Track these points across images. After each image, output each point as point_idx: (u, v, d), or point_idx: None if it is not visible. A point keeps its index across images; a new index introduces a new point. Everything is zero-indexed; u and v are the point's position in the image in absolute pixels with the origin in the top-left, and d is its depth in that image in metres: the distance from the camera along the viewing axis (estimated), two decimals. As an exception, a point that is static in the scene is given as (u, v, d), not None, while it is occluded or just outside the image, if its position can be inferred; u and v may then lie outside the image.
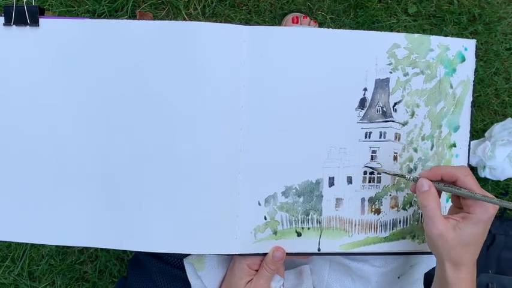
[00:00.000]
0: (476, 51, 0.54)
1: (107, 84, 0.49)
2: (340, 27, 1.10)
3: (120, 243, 0.50)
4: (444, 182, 0.47)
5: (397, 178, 0.52)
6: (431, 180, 0.47)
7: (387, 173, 0.51)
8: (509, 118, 1.09)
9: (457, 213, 0.48)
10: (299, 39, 0.50)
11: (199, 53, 0.48)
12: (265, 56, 0.49)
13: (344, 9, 1.11)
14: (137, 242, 0.49)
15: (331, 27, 1.10)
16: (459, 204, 0.48)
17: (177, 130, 0.49)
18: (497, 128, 1.07)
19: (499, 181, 1.10)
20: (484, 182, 1.12)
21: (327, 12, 1.11)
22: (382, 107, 0.51)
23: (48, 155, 0.50)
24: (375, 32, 0.51)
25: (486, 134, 1.10)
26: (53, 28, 0.49)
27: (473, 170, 1.11)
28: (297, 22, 1.06)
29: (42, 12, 0.50)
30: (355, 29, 1.04)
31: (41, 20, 0.49)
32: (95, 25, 0.49)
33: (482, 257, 1.00)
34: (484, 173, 1.07)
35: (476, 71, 0.54)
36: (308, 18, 1.07)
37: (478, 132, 1.13)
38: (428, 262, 0.60)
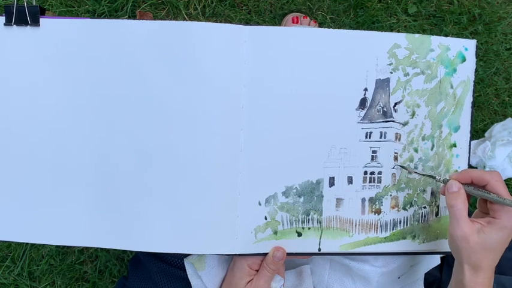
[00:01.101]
0: (476, 51, 0.54)
1: (107, 84, 0.49)
2: (340, 27, 1.10)
3: (120, 243, 0.49)
4: (474, 186, 0.48)
5: (397, 178, 0.52)
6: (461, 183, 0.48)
7: (417, 173, 0.52)
8: (509, 118, 1.09)
9: (482, 217, 0.48)
10: (299, 40, 0.50)
11: (200, 53, 0.48)
12: (265, 56, 0.49)
13: (344, 9, 1.11)
14: (137, 242, 0.49)
15: (331, 27, 1.10)
16: (485, 209, 0.49)
17: (177, 130, 0.49)
18: (497, 128, 1.06)
19: None
20: None
21: (327, 12, 1.11)
22: (382, 107, 0.51)
23: (47, 154, 0.50)
24: (375, 32, 0.51)
25: (486, 134, 1.09)
26: (53, 28, 0.49)
27: None
28: (297, 22, 1.05)
29: (43, 12, 0.50)
30: (355, 29, 1.04)
31: (42, 20, 0.49)
32: (96, 25, 0.49)
33: None
34: None
35: (476, 71, 0.54)
36: (308, 18, 1.07)
37: (478, 132, 1.13)
38: (429, 262, 0.60)
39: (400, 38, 0.51)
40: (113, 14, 1.07)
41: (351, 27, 1.10)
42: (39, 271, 1.07)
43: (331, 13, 1.11)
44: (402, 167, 0.52)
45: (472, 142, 1.07)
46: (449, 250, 0.54)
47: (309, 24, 1.07)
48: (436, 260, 0.61)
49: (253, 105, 0.49)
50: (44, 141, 0.50)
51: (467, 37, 1.09)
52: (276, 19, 1.11)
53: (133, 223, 0.49)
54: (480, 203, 0.50)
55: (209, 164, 0.49)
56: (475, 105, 1.12)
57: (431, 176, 0.51)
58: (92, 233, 0.50)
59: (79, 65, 0.49)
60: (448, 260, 1.01)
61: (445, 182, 0.49)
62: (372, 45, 0.51)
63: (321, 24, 1.10)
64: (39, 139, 0.50)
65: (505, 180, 1.09)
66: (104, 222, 0.50)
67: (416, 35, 0.51)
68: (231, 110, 0.49)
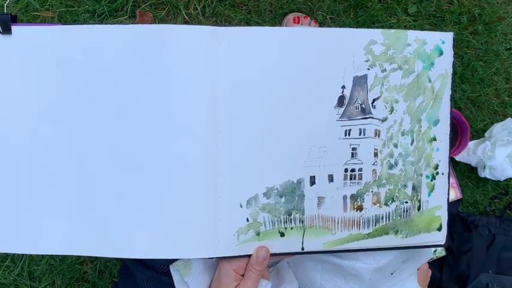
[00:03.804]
0: (453, 43, 0.54)
1: (82, 90, 0.48)
2: (340, 27, 1.10)
3: (101, 250, 0.49)
4: None
5: (378, 174, 0.52)
6: None
7: None
8: (509, 118, 1.09)
9: None
10: (275, 39, 0.49)
11: (174, 56, 0.48)
12: (241, 57, 0.49)
13: (344, 9, 1.11)
14: (118, 249, 0.49)
15: (331, 27, 1.10)
16: None
17: (154, 135, 0.48)
18: (497, 128, 1.07)
19: (499, 181, 1.11)
20: (484, 182, 1.13)
21: (327, 12, 1.10)
22: (360, 104, 0.51)
23: (25, 162, 0.49)
24: (351, 29, 0.51)
25: (486, 134, 1.10)
26: (26, 35, 0.48)
27: (473, 170, 1.12)
28: (298, 22, 1.05)
29: (14, 20, 0.49)
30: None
31: (14, 28, 0.48)
32: (68, 31, 0.48)
33: (482, 257, 1.00)
34: (484, 173, 1.07)
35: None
36: (309, 18, 1.07)
37: (478, 132, 1.14)
38: (421, 257, 0.60)
39: (376, 34, 0.51)
40: (113, 14, 1.06)
41: (351, 27, 1.09)
42: (39, 271, 1.07)
43: (331, 13, 1.11)
44: None
45: (472, 142, 1.08)
46: (433, 243, 0.55)
47: (309, 24, 1.06)
48: (428, 254, 0.61)
49: (231, 107, 0.49)
50: (21, 149, 0.49)
51: (467, 37, 1.09)
52: (276, 19, 1.10)
53: (114, 230, 0.49)
54: None
55: (188, 168, 0.49)
56: (475, 105, 1.13)
57: None
58: (73, 241, 0.49)
59: (54, 71, 0.48)
60: (447, 260, 1.02)
61: None
62: (348, 42, 0.50)
63: (321, 24, 1.10)
64: (16, 148, 0.49)
65: (504, 180, 1.10)
66: (84, 229, 0.49)
67: (392, 30, 0.51)
68: (209, 113, 0.49)
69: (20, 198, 0.49)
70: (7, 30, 0.48)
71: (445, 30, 1.09)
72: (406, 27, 1.11)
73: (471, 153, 1.06)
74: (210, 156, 0.49)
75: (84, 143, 0.49)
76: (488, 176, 1.08)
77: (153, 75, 0.48)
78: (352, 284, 0.57)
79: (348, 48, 0.50)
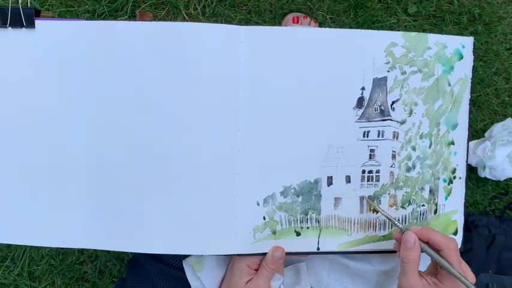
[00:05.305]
0: (474, 48, 0.54)
1: (103, 86, 0.49)
2: (340, 27, 1.10)
3: (119, 245, 0.49)
4: (429, 245, 0.48)
5: (395, 176, 0.52)
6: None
7: (382, 213, 0.51)
8: (509, 118, 1.09)
9: (432, 274, 0.49)
10: (296, 39, 0.49)
11: (195, 54, 0.48)
12: (262, 56, 0.49)
13: (344, 9, 1.11)
14: (136, 244, 0.49)
15: (331, 27, 1.10)
16: (435, 269, 0.49)
17: (174, 132, 0.49)
18: (497, 128, 1.06)
19: (499, 181, 1.10)
20: (484, 182, 1.12)
21: (327, 12, 1.10)
22: (380, 106, 0.51)
23: (45, 156, 0.50)
24: (372, 30, 0.51)
25: (486, 134, 1.09)
26: (49, 30, 0.49)
27: (473, 170, 1.11)
28: (298, 22, 1.05)
29: (38, 14, 0.49)
30: (356, 29, 1.03)
31: (37, 22, 0.49)
32: (91, 26, 0.48)
33: (482, 257, 1.00)
34: (484, 173, 1.07)
35: (474, 68, 0.54)
36: (308, 18, 1.07)
37: (478, 132, 1.13)
38: (427, 261, 0.60)
39: (397, 37, 0.51)
40: (113, 14, 1.06)
41: (351, 27, 1.09)
42: (39, 271, 1.08)
43: (331, 13, 1.11)
44: (373, 205, 0.52)
45: (472, 142, 1.07)
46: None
47: (309, 24, 1.07)
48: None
49: (250, 105, 0.49)
50: (41, 143, 0.49)
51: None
52: (276, 19, 1.10)
53: (132, 225, 0.49)
54: (433, 261, 0.50)
55: (207, 165, 0.49)
56: (475, 105, 1.12)
57: (393, 222, 0.50)
58: (91, 234, 0.50)
59: (75, 66, 0.49)
60: (448, 260, 1.01)
61: (403, 231, 0.49)
62: (369, 44, 0.50)
63: (321, 24, 1.10)
64: (36, 142, 0.49)
65: (504, 180, 1.10)
66: (102, 224, 0.50)
67: (413, 33, 0.51)
68: (228, 111, 0.49)
69: (41, 193, 0.50)
70: (30, 24, 0.49)
71: (445, 31, 1.09)
72: (406, 28, 1.11)
73: (471, 153, 1.05)
74: (228, 154, 0.49)
75: (104, 140, 0.49)
76: (488, 176, 1.07)
77: (173, 73, 0.48)
78: (359, 285, 0.57)
79: (369, 49, 0.50)
